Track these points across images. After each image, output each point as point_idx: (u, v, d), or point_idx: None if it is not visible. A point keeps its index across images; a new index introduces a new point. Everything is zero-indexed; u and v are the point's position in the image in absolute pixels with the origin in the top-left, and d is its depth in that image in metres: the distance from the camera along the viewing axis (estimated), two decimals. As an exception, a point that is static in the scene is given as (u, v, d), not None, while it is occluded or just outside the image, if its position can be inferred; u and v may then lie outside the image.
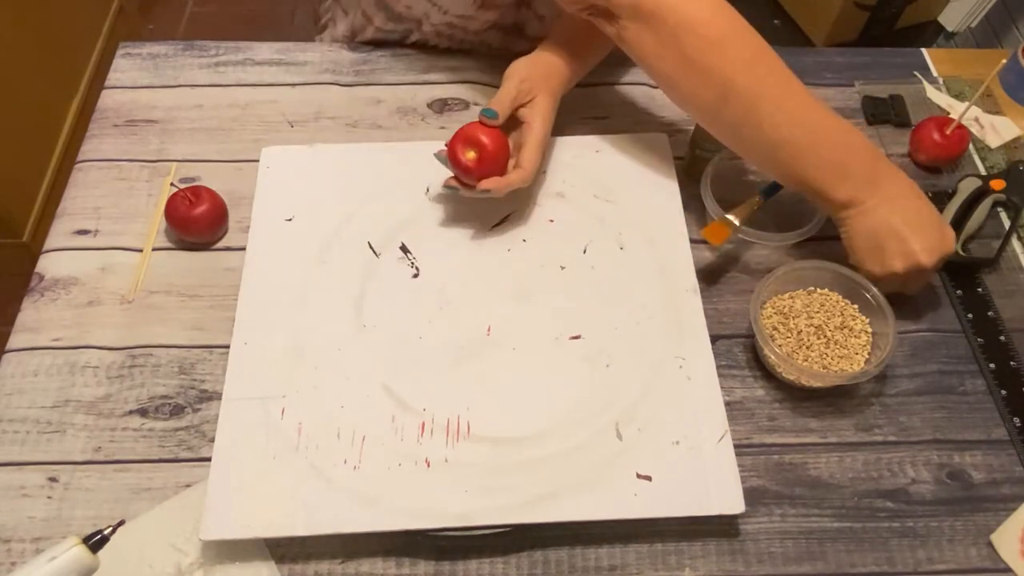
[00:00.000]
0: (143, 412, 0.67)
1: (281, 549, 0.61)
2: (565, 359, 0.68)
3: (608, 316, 0.70)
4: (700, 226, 0.74)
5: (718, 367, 0.67)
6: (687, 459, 0.62)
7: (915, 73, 0.91)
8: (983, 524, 0.63)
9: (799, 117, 0.66)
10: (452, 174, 0.72)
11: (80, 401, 0.67)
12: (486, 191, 0.70)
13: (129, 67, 0.89)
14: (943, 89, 0.90)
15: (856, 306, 0.70)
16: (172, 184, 0.76)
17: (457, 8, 0.82)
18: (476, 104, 0.87)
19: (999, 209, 0.80)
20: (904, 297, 0.73)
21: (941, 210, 0.77)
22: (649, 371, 0.67)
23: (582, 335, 0.69)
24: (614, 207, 0.76)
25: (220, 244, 0.77)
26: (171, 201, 0.74)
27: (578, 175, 0.79)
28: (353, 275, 0.72)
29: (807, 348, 0.68)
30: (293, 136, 0.84)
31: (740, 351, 0.71)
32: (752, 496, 0.64)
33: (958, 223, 0.75)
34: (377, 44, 0.92)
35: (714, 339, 0.70)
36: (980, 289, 0.75)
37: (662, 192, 0.77)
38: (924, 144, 0.81)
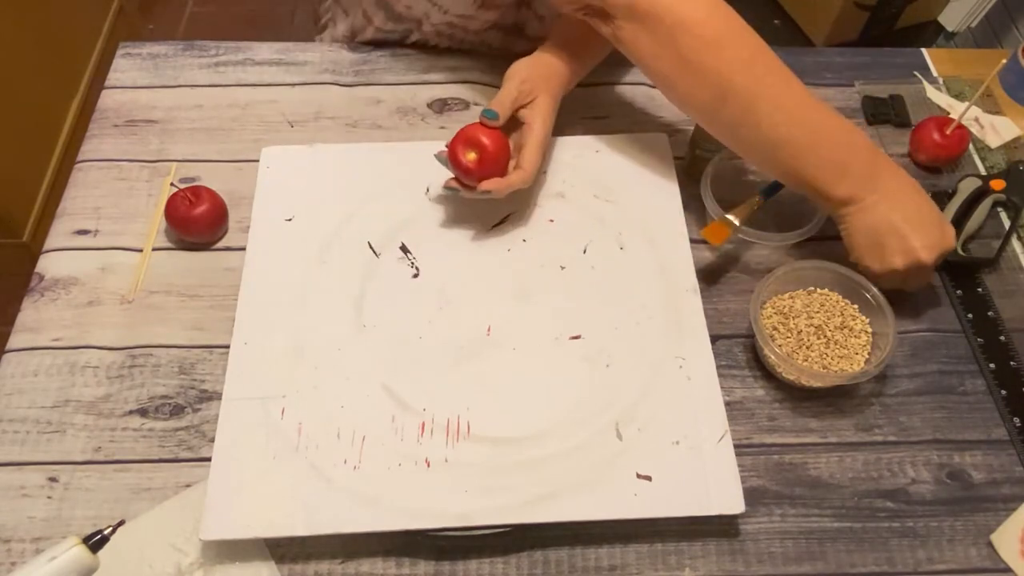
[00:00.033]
0: (143, 412, 0.67)
1: (281, 549, 0.61)
2: (565, 359, 0.68)
3: (608, 316, 0.70)
4: (700, 226, 0.74)
5: (718, 367, 0.67)
6: (687, 459, 0.62)
7: (915, 73, 0.91)
8: (983, 524, 0.63)
9: (798, 116, 0.66)
10: (452, 175, 0.72)
11: (80, 401, 0.67)
12: (486, 192, 0.70)
13: (129, 67, 0.89)
14: (943, 89, 0.90)
15: (856, 306, 0.70)
16: (172, 184, 0.76)
17: (457, 8, 0.82)
18: (476, 104, 0.87)
19: (999, 209, 0.80)
20: (904, 297, 0.73)
21: (941, 210, 0.77)
22: (649, 371, 0.67)
23: (582, 335, 0.69)
24: (614, 207, 0.76)
25: (220, 244, 0.77)
26: (171, 201, 0.74)
27: (578, 175, 0.79)
28: (353, 275, 0.72)
29: (807, 348, 0.68)
30: (293, 136, 0.84)
31: (740, 351, 0.71)
32: (752, 496, 0.64)
33: (958, 223, 0.75)
34: (377, 44, 0.92)
35: (714, 339, 0.70)
36: (980, 289, 0.75)
37: (662, 192, 0.77)
38: (924, 144, 0.81)
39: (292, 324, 0.69)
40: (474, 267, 0.73)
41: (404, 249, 0.74)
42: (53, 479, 0.64)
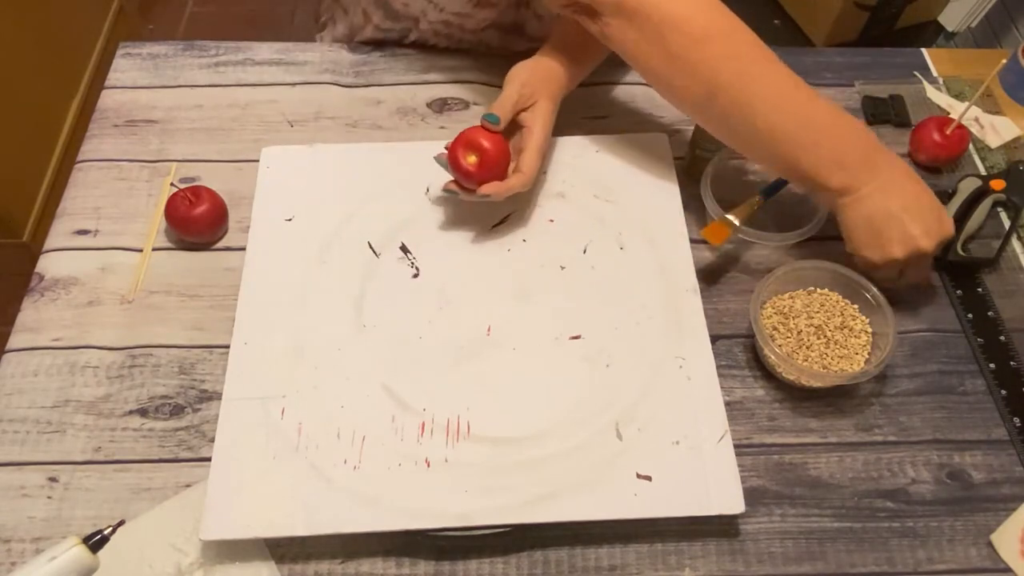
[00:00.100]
0: (143, 412, 0.67)
1: (281, 549, 0.61)
2: (565, 359, 0.68)
3: (608, 316, 0.70)
4: (700, 226, 0.74)
5: (718, 367, 0.67)
6: (687, 459, 0.62)
7: (915, 73, 0.91)
8: (983, 524, 0.63)
9: (790, 107, 0.66)
10: (451, 178, 0.72)
11: (80, 401, 0.67)
12: (486, 196, 0.70)
13: (129, 67, 0.89)
14: (943, 89, 0.90)
15: (856, 306, 0.70)
16: (172, 184, 0.76)
17: (453, 6, 0.82)
18: (476, 104, 0.87)
19: (999, 209, 0.80)
20: (904, 297, 0.73)
21: (941, 210, 0.77)
22: (649, 371, 0.67)
23: (582, 335, 0.69)
24: (614, 207, 0.76)
25: (220, 244, 0.77)
26: (171, 201, 0.74)
27: (578, 175, 0.79)
28: (353, 275, 0.72)
29: (807, 348, 0.68)
30: (293, 136, 0.84)
31: (740, 351, 0.71)
32: (752, 496, 0.64)
33: (958, 223, 0.75)
34: (377, 44, 0.92)
35: (714, 339, 0.70)
36: (980, 289, 0.75)
37: (662, 192, 0.77)
38: (924, 144, 0.81)
39: (292, 324, 0.69)
40: (474, 267, 0.73)
41: (404, 249, 0.74)
42: (53, 479, 0.64)
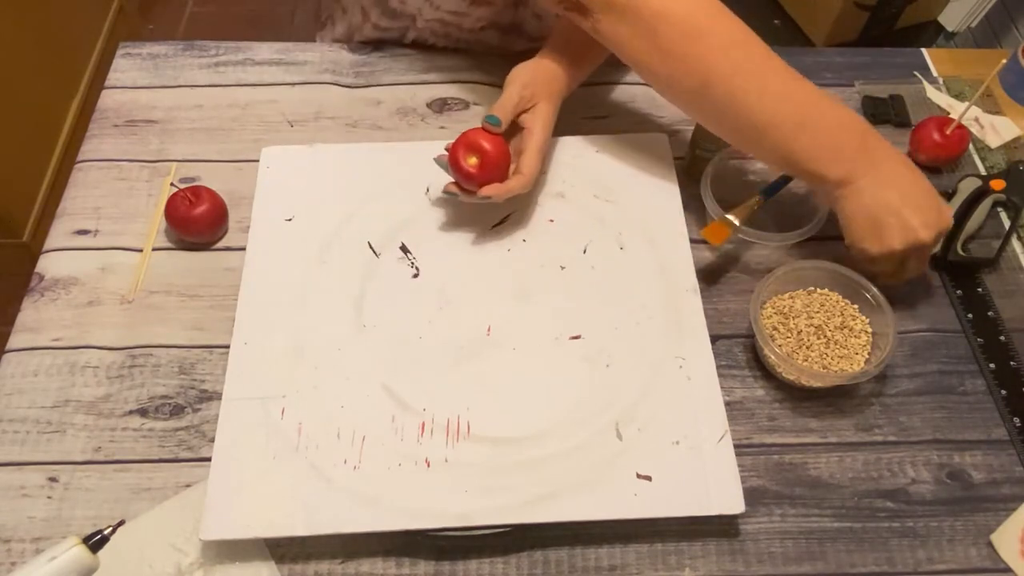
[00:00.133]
0: (143, 412, 0.67)
1: (281, 549, 0.61)
2: (565, 359, 0.68)
3: (608, 316, 0.70)
4: (700, 226, 0.74)
5: (718, 367, 0.67)
6: (687, 459, 0.62)
7: (915, 73, 0.91)
8: (983, 524, 0.63)
9: (784, 98, 0.65)
10: (451, 179, 0.72)
11: (80, 401, 0.67)
12: (487, 198, 0.70)
13: (129, 67, 0.89)
14: (943, 89, 0.90)
15: (856, 306, 0.70)
16: (172, 184, 0.76)
17: (449, 4, 0.82)
18: (476, 104, 0.87)
19: (999, 209, 0.80)
20: (904, 297, 0.73)
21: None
22: (649, 371, 0.67)
23: (582, 335, 0.69)
24: (614, 207, 0.76)
25: (220, 244, 0.77)
26: (171, 201, 0.74)
27: (578, 175, 0.79)
28: (353, 275, 0.72)
29: (807, 348, 0.68)
30: (293, 136, 0.84)
31: (740, 351, 0.71)
32: (752, 496, 0.64)
33: (958, 223, 0.75)
34: (377, 44, 0.91)
35: (714, 339, 0.70)
36: (980, 289, 0.75)
37: (662, 192, 0.77)
38: (924, 144, 0.81)
39: (292, 324, 0.69)
40: (474, 267, 0.73)
41: (404, 249, 0.74)
42: (53, 479, 0.64)
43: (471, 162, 0.69)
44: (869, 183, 0.65)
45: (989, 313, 0.73)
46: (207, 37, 0.93)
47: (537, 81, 0.73)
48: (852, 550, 0.62)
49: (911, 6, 1.98)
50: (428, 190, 0.77)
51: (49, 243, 0.77)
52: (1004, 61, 0.86)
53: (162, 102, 0.86)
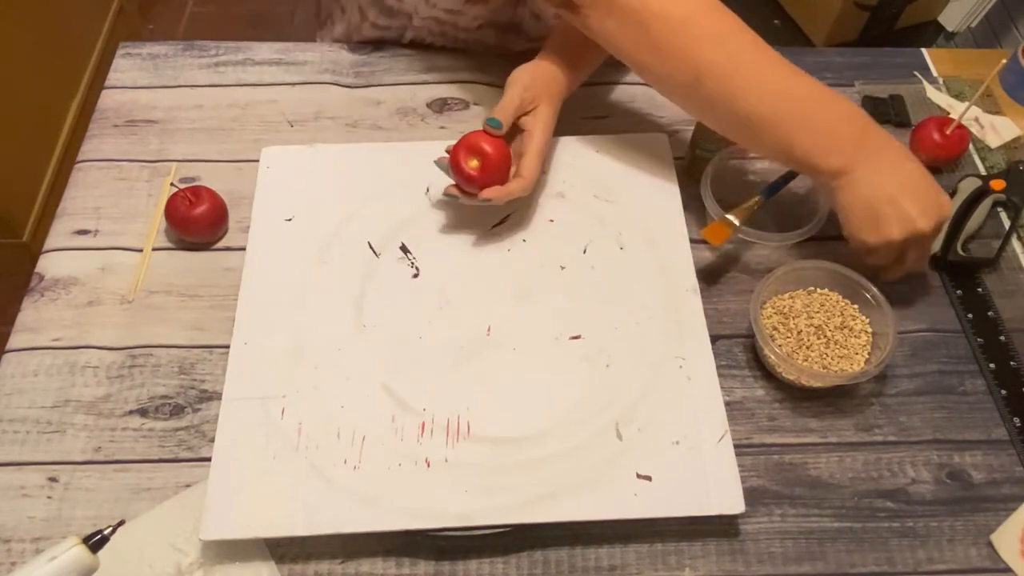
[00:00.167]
0: (143, 412, 0.67)
1: (281, 549, 0.61)
2: (565, 359, 0.68)
3: (608, 316, 0.70)
4: (700, 226, 0.74)
5: (718, 367, 0.67)
6: (687, 459, 0.62)
7: (915, 73, 0.92)
8: (983, 524, 0.63)
9: (777, 89, 0.65)
10: (451, 181, 0.72)
11: (80, 401, 0.67)
12: (487, 200, 0.69)
13: (129, 67, 0.89)
14: (943, 89, 0.90)
15: (856, 306, 0.70)
16: (172, 184, 0.76)
17: (444, 2, 0.82)
18: (476, 104, 0.87)
19: (999, 209, 0.80)
20: (904, 297, 0.73)
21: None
22: (649, 371, 0.67)
23: (582, 335, 0.69)
24: (614, 207, 0.76)
25: (220, 244, 0.77)
26: (171, 201, 0.74)
27: (578, 175, 0.79)
28: (353, 275, 0.72)
29: (807, 348, 0.68)
30: (293, 136, 0.84)
31: (740, 351, 0.71)
32: (752, 496, 0.64)
33: (958, 223, 0.75)
34: (376, 44, 0.91)
35: (714, 339, 0.70)
36: (980, 289, 0.75)
37: (662, 192, 0.77)
38: (924, 144, 0.81)
39: (292, 324, 0.69)
40: (474, 267, 0.73)
41: (404, 249, 0.74)
42: (53, 479, 0.64)
43: (472, 165, 0.69)
44: (866, 173, 0.65)
45: (989, 313, 0.73)
46: (207, 37, 0.93)
47: (538, 83, 0.73)
48: (852, 550, 0.62)
49: (911, 6, 1.98)
50: (428, 190, 0.77)
51: (49, 243, 0.77)
52: (1004, 61, 0.86)
53: (162, 102, 0.86)
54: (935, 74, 0.92)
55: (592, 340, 0.68)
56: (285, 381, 0.66)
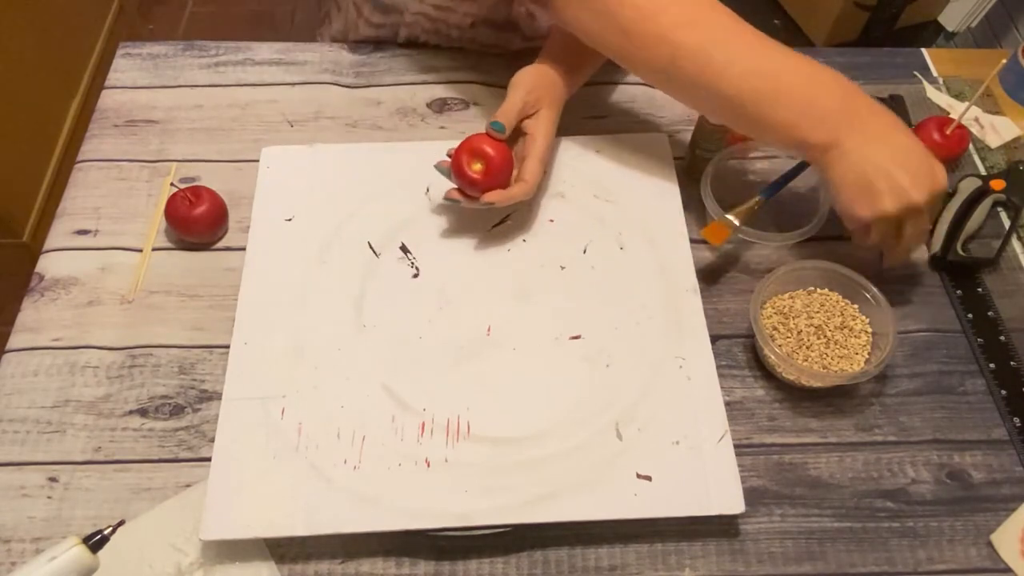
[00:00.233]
0: (143, 412, 0.67)
1: (281, 549, 0.61)
2: (565, 359, 0.68)
3: (608, 316, 0.70)
4: (700, 226, 0.74)
5: (718, 367, 0.67)
6: (687, 459, 0.62)
7: (915, 73, 0.92)
8: (983, 524, 0.63)
9: (755, 66, 0.64)
10: (451, 185, 0.71)
11: (80, 401, 0.67)
12: (489, 204, 0.69)
13: (129, 67, 0.89)
14: (943, 89, 0.90)
15: (856, 306, 0.70)
16: (172, 184, 0.76)
17: None
18: (476, 104, 0.87)
19: (999, 209, 0.80)
20: (904, 297, 0.73)
21: (941, 210, 0.77)
22: (649, 371, 0.67)
23: (582, 335, 0.69)
24: (614, 207, 0.76)
25: (220, 244, 0.77)
26: (171, 201, 0.74)
27: (578, 175, 0.79)
28: (353, 275, 0.72)
29: (807, 348, 0.68)
30: (293, 136, 0.84)
31: (740, 351, 0.71)
32: (752, 496, 0.64)
33: (958, 223, 0.75)
34: (376, 44, 0.91)
35: (714, 339, 0.70)
36: (980, 289, 0.75)
37: (662, 192, 0.77)
38: (924, 144, 0.81)
39: (292, 324, 0.69)
40: (474, 267, 0.73)
41: (404, 249, 0.74)
42: (53, 479, 0.64)
43: (475, 168, 0.69)
44: (856, 145, 0.63)
45: (989, 313, 0.73)
46: (207, 37, 0.93)
47: (540, 87, 0.72)
48: (852, 550, 0.62)
49: (911, 6, 1.98)
50: (428, 190, 0.77)
51: (49, 243, 0.77)
52: (1004, 61, 0.86)
53: (162, 102, 0.86)
54: (935, 74, 0.92)
55: (592, 340, 0.68)
56: (285, 381, 0.66)
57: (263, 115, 0.85)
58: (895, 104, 0.87)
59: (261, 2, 2.13)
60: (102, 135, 0.84)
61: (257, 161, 0.79)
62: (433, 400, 0.65)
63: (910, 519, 0.63)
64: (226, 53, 0.91)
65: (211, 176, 0.80)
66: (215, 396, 0.67)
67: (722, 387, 0.66)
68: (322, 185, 0.77)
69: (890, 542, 0.62)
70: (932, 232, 0.77)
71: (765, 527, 0.63)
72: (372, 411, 0.64)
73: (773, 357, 0.66)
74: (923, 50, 0.94)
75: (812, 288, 0.71)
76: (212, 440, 0.63)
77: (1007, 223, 0.79)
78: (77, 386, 0.68)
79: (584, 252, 0.74)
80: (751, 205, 0.71)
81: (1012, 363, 0.70)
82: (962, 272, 0.76)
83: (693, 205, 0.77)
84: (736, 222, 0.71)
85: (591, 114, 0.86)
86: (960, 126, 0.80)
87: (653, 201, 0.77)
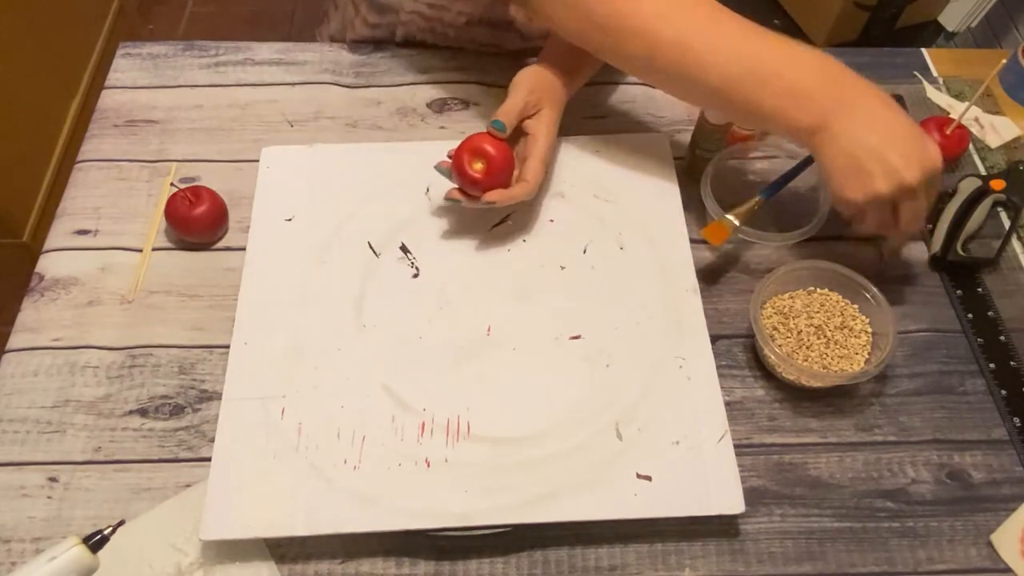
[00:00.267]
0: (143, 412, 0.67)
1: (281, 549, 0.61)
2: (565, 359, 0.68)
3: (608, 316, 0.70)
4: (700, 226, 0.74)
5: (718, 367, 0.67)
6: (687, 459, 0.62)
7: (915, 73, 0.92)
8: (983, 524, 0.63)
9: (736, 53, 0.64)
10: (452, 185, 0.71)
11: (80, 401, 0.67)
12: (491, 203, 0.69)
13: (129, 67, 0.89)
14: (943, 89, 0.90)
15: (856, 306, 0.70)
16: (172, 184, 0.76)
17: None
18: (476, 104, 0.87)
19: (999, 209, 0.80)
20: (904, 297, 0.73)
21: (941, 210, 0.77)
22: (649, 371, 0.67)
23: (582, 335, 0.69)
24: (614, 207, 0.76)
25: (220, 244, 0.77)
26: (171, 201, 0.74)
27: (578, 175, 0.79)
28: (353, 275, 0.72)
29: (807, 348, 0.68)
30: (293, 136, 0.84)
31: (740, 351, 0.71)
32: (752, 496, 0.64)
33: (958, 223, 0.75)
34: (376, 44, 0.91)
35: (714, 339, 0.70)
36: (980, 289, 0.75)
37: (662, 192, 0.77)
38: (924, 144, 0.81)
39: (292, 324, 0.69)
40: (474, 267, 0.73)
41: (404, 249, 0.74)
42: (53, 479, 0.64)
43: (477, 167, 0.69)
44: (845, 127, 0.62)
45: (989, 313, 0.73)
46: (207, 37, 0.93)
47: (542, 87, 0.72)
48: (852, 550, 0.62)
49: (911, 6, 1.99)
50: (428, 190, 0.77)
51: (49, 243, 0.77)
52: (1004, 61, 0.86)
53: (162, 102, 0.86)
54: (935, 74, 0.92)
55: (592, 340, 0.68)
56: (285, 381, 0.66)
57: (263, 115, 0.85)
58: (895, 104, 0.87)
59: (261, 2, 2.13)
60: (102, 135, 0.84)
61: (257, 161, 0.79)
62: (433, 400, 0.65)
63: (910, 519, 0.63)
64: (226, 53, 0.91)
65: (211, 176, 0.80)
66: (215, 396, 0.67)
67: (722, 387, 0.66)
68: (322, 185, 0.77)
69: (890, 542, 0.62)
70: (932, 232, 0.77)
71: (765, 527, 0.63)
72: (372, 411, 0.64)
73: (773, 357, 0.66)
74: (923, 50, 0.94)
75: (812, 288, 0.71)
76: (212, 440, 0.63)
77: (1007, 223, 0.79)
78: (77, 386, 0.68)
79: (584, 252, 0.74)
80: (751, 205, 0.71)
81: (1012, 363, 0.70)
82: (962, 272, 0.76)
83: (693, 205, 0.77)
84: (736, 222, 0.71)
85: (591, 114, 0.86)
86: (960, 126, 0.80)
87: (653, 201, 0.77)
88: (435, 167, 0.72)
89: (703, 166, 0.75)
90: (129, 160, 0.82)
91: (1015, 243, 0.78)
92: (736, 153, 0.77)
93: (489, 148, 0.69)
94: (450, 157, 0.71)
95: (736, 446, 0.64)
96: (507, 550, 0.62)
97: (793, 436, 0.67)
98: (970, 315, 0.73)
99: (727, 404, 0.66)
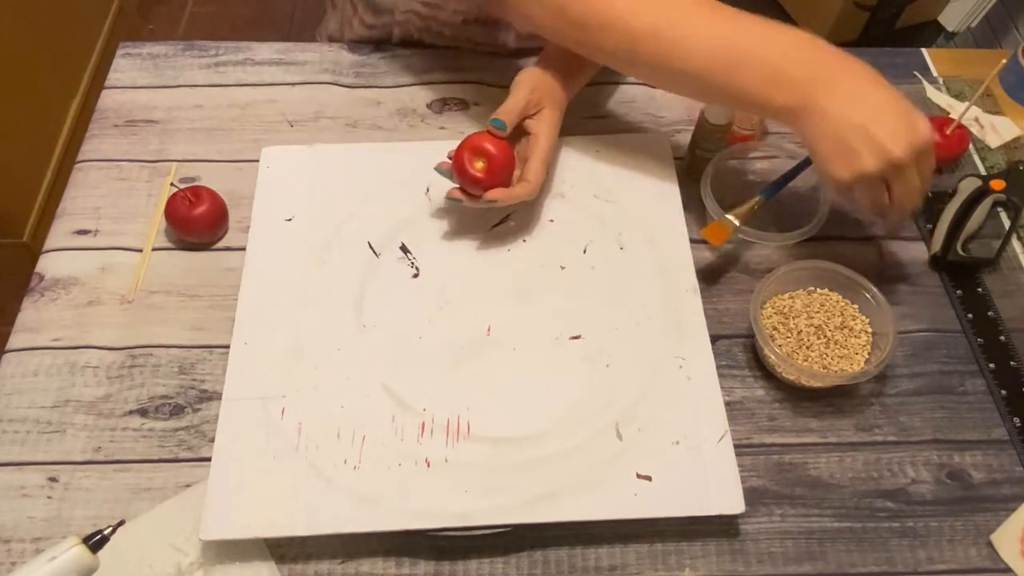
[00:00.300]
0: (143, 412, 0.67)
1: (281, 549, 0.61)
2: (565, 359, 0.68)
3: (608, 316, 0.70)
4: (700, 226, 0.74)
5: (718, 367, 0.67)
6: (687, 459, 0.62)
7: (915, 73, 0.92)
8: (983, 524, 0.63)
9: (712, 38, 0.64)
10: (452, 186, 0.71)
11: (80, 401, 0.67)
12: (492, 202, 0.69)
13: (129, 67, 0.89)
14: (943, 89, 0.90)
15: (856, 306, 0.70)
16: (172, 184, 0.76)
17: None
18: (476, 104, 0.87)
19: (999, 209, 0.80)
20: (904, 297, 0.73)
21: (941, 210, 0.77)
22: (649, 371, 0.67)
23: (582, 335, 0.69)
24: (614, 207, 0.76)
25: (220, 244, 0.77)
26: (171, 201, 0.74)
27: (578, 175, 0.79)
28: (353, 275, 0.72)
29: (807, 348, 0.68)
30: (293, 136, 0.84)
31: (740, 351, 0.71)
32: (752, 496, 0.64)
33: (958, 223, 0.75)
34: (376, 44, 0.91)
35: (714, 339, 0.70)
36: (980, 289, 0.75)
37: (662, 192, 0.77)
38: (924, 144, 0.81)
39: (292, 324, 0.69)
40: (474, 267, 0.73)
41: (404, 249, 0.74)
42: (53, 479, 0.64)
43: (478, 166, 0.69)
44: (827, 104, 0.60)
45: (989, 313, 0.73)
46: (207, 37, 0.93)
47: (543, 87, 0.72)
48: (852, 550, 0.62)
49: (911, 6, 1.99)
50: (428, 190, 0.77)
51: (49, 243, 0.77)
52: (1004, 61, 0.86)
53: (162, 102, 0.86)
54: (935, 74, 0.92)
55: (592, 340, 0.68)
56: (285, 381, 0.66)
57: (263, 115, 0.85)
58: (895, 104, 0.87)
59: (261, 2, 2.13)
60: (102, 135, 0.84)
61: (257, 161, 0.79)
62: (433, 400, 0.65)
63: (910, 519, 0.63)
64: (226, 53, 0.91)
65: (211, 176, 0.80)
66: (215, 396, 0.67)
67: (722, 387, 0.66)
68: (322, 185, 0.77)
69: (890, 542, 0.62)
70: (932, 232, 0.77)
71: (765, 527, 0.63)
72: (372, 411, 0.64)
73: (773, 357, 0.66)
74: (923, 50, 0.94)
75: (812, 288, 0.71)
76: (212, 440, 0.63)
77: (1007, 223, 0.79)
78: (77, 386, 0.68)
79: (584, 252, 0.74)
80: (751, 205, 0.71)
81: (1012, 363, 0.70)
82: (962, 272, 0.76)
83: (693, 205, 0.77)
84: (736, 222, 0.71)
85: (591, 114, 0.86)
86: (960, 126, 0.80)
87: (653, 201, 0.77)
88: (435, 168, 0.72)
89: (703, 166, 0.75)
90: (129, 160, 0.82)
91: (1015, 243, 0.78)
92: (736, 153, 0.77)
93: (490, 147, 0.69)
94: (450, 157, 0.71)
95: (736, 446, 0.64)
96: (507, 550, 0.62)
97: (793, 436, 0.67)
98: (970, 315, 0.73)
99: (727, 404, 0.66)
